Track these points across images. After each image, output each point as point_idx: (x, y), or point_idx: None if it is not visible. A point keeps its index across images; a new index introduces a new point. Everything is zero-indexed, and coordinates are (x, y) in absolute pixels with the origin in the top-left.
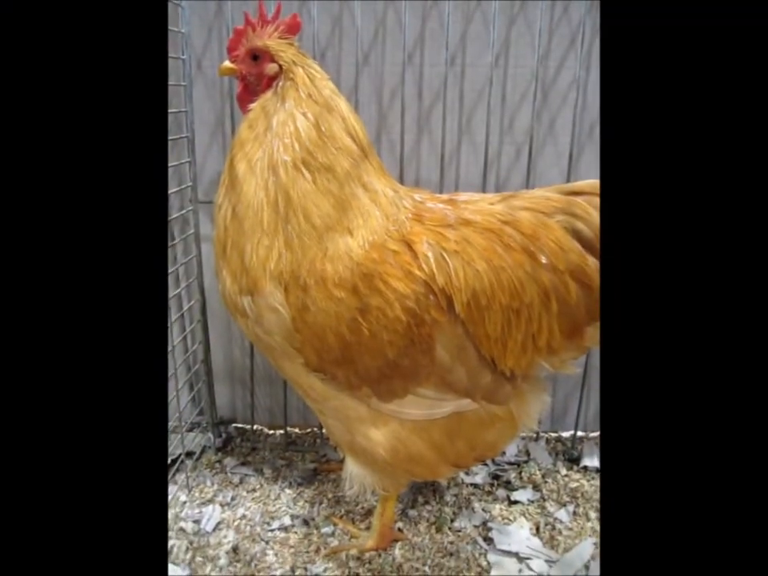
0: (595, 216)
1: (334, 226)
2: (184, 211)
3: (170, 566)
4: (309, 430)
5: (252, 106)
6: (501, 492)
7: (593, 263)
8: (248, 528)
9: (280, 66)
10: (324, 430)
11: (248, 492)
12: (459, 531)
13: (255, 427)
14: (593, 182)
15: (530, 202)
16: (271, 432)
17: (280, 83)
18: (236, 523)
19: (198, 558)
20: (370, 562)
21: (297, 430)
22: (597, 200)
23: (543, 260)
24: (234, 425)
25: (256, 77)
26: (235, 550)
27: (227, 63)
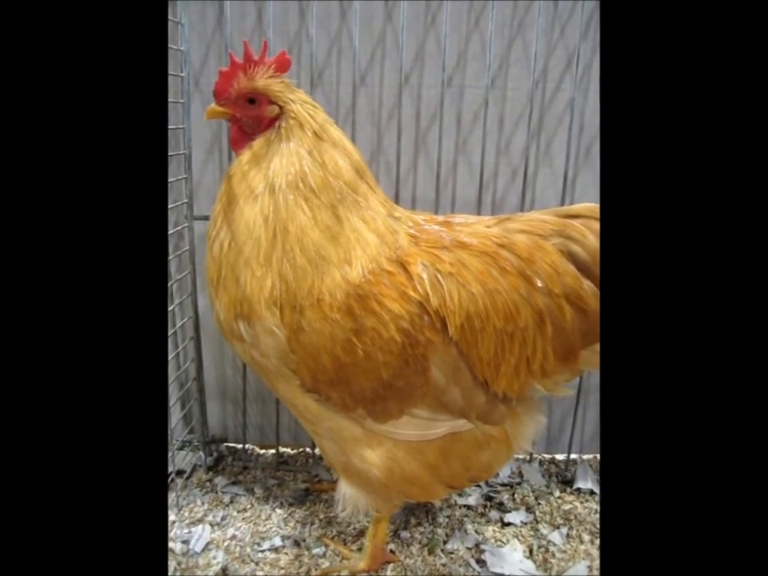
0: (591, 239)
1: (332, 260)
2: (180, 227)
3: None
4: (300, 449)
5: (250, 144)
6: (494, 514)
7: (588, 287)
8: (238, 549)
9: (280, 107)
10: (316, 450)
11: (238, 512)
12: (452, 553)
13: (247, 446)
14: (589, 206)
15: (525, 224)
16: (263, 451)
17: (282, 123)
18: (226, 544)
19: None
20: None
21: (288, 450)
22: (593, 223)
23: (539, 283)
24: (225, 444)
25: (254, 119)
26: (224, 571)
27: (216, 106)
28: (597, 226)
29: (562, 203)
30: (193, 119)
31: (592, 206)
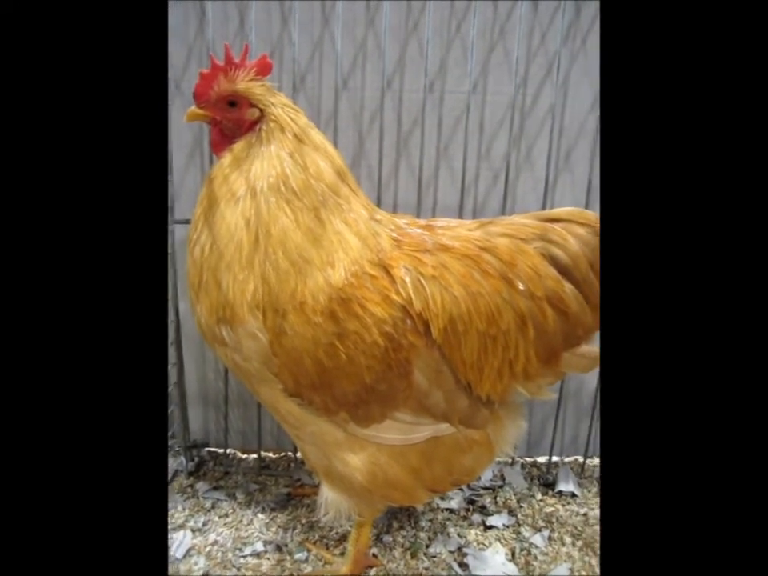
0: (572, 243)
1: (315, 262)
2: None
3: None
4: (283, 454)
5: (231, 147)
6: (476, 517)
7: (569, 289)
8: (219, 554)
9: (260, 110)
10: (298, 454)
11: (220, 517)
12: (434, 557)
13: (228, 451)
14: (570, 210)
15: (507, 228)
16: (244, 456)
17: (263, 126)
18: (207, 549)
19: None
20: None
21: (270, 454)
22: (574, 227)
23: (520, 286)
24: (206, 448)
25: (234, 122)
26: None
27: (195, 109)
28: (577, 229)
29: (543, 207)
30: (174, 122)
31: (572, 210)
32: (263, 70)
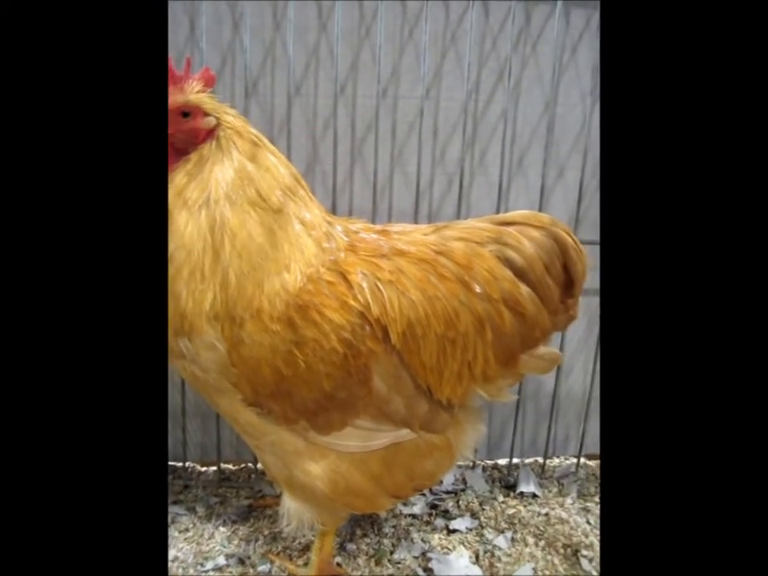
0: (527, 245)
1: (272, 265)
2: None
3: None
4: (243, 465)
5: (187, 158)
6: (439, 521)
7: (526, 291)
8: (180, 570)
9: (216, 118)
10: (259, 465)
11: (180, 532)
12: (399, 563)
13: (187, 464)
14: (523, 213)
15: (462, 232)
16: (204, 469)
17: (220, 133)
18: (168, 566)
19: None
20: None
21: (230, 466)
22: (528, 230)
23: (477, 289)
24: None
25: (188, 133)
26: None
27: None
28: (531, 232)
29: (498, 211)
30: None
31: (526, 213)
32: (209, 81)
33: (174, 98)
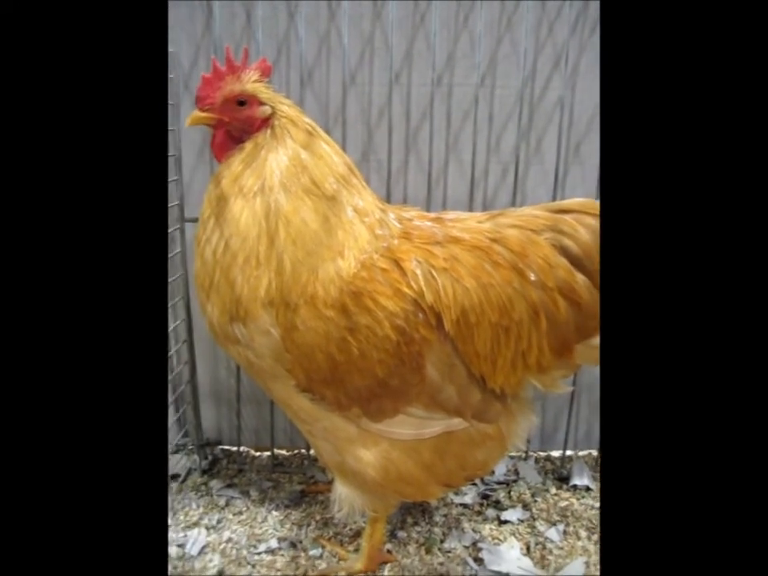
0: (583, 233)
1: (327, 251)
2: (171, 230)
3: None
4: (296, 451)
5: (241, 147)
6: (490, 512)
7: (581, 280)
8: (234, 551)
9: (272, 107)
10: (311, 451)
11: (234, 515)
12: (449, 552)
13: (241, 449)
14: (580, 201)
15: (517, 219)
16: (258, 454)
17: (275, 122)
18: (222, 547)
19: None
20: None
21: (284, 452)
22: (584, 218)
23: (532, 277)
24: (219, 446)
25: (244, 121)
26: (221, 574)
27: (198, 112)
28: (588, 220)
29: (553, 199)
30: (183, 121)
31: (583, 201)
32: (265, 71)
33: (231, 88)
